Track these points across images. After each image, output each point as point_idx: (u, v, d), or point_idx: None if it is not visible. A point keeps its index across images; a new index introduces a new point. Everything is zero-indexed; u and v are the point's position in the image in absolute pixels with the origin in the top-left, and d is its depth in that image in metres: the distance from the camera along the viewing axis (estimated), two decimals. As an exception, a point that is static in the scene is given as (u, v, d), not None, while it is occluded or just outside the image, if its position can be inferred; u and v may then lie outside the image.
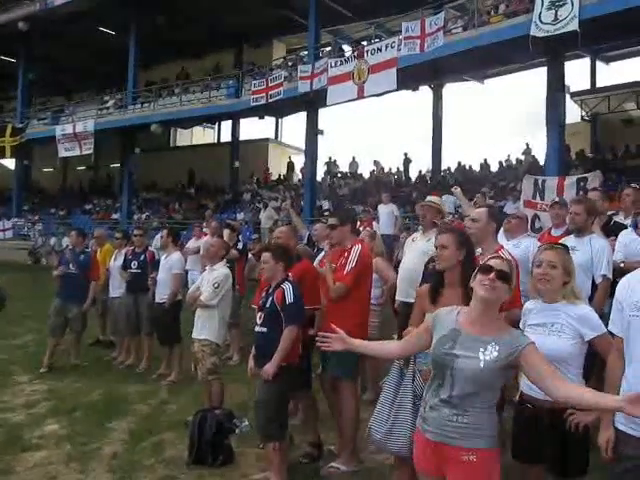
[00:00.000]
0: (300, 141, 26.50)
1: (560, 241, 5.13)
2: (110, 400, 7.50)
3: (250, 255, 10.49)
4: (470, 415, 3.04)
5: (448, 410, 3.06)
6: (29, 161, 33.88)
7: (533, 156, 23.70)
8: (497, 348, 3.00)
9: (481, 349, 3.02)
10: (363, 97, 18.71)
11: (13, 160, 33.62)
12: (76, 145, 27.10)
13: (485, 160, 25.64)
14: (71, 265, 9.39)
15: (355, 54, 19.12)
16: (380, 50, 17.96)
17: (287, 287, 5.05)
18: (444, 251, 4.12)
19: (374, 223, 13.29)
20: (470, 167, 26.01)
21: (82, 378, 8.56)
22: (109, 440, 6.18)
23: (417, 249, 6.22)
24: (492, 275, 3.10)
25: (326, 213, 20.10)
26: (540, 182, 9.94)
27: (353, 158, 30.02)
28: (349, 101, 19.60)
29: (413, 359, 4.04)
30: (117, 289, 9.56)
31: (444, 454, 3.08)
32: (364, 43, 22.12)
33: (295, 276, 5.33)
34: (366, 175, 28.93)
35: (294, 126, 49.53)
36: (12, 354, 9.77)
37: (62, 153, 28.19)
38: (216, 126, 36.12)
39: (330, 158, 30.56)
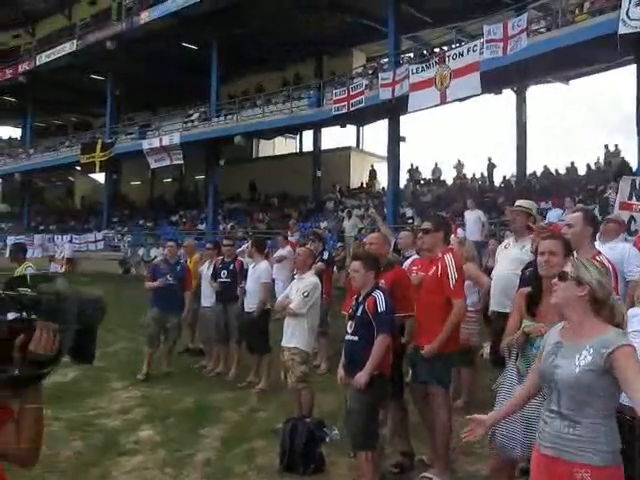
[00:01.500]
0: (382, 149, 26.41)
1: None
2: (201, 407, 7.66)
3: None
4: (582, 427, 2.82)
5: (559, 422, 2.89)
6: (118, 175, 34.92)
7: (622, 158, 22.86)
8: (591, 352, 2.81)
9: (577, 355, 2.85)
10: (446, 102, 18.41)
11: (103, 174, 34.69)
12: (166, 156, 27.70)
13: (572, 163, 24.88)
14: (169, 276, 9.63)
15: (436, 59, 18.90)
16: (462, 55, 17.67)
17: (378, 295, 5.01)
18: (553, 258, 3.92)
19: (459, 230, 13.12)
20: (556, 171, 25.30)
21: (174, 385, 8.77)
22: (202, 447, 6.28)
23: (510, 256, 6.07)
24: (554, 280, 3.05)
25: (409, 221, 19.99)
26: (638, 182, 9.57)
27: (436, 164, 29.68)
28: (431, 107, 19.38)
29: (522, 356, 3.94)
30: (208, 298, 9.70)
31: (557, 470, 2.87)
32: (445, 48, 21.86)
33: (388, 283, 5.29)
34: (449, 181, 28.59)
35: (376, 134, 49.42)
36: (108, 361, 10.03)
37: (153, 165, 28.87)
38: (298, 136, 36.42)
39: (412, 165, 30.33)
